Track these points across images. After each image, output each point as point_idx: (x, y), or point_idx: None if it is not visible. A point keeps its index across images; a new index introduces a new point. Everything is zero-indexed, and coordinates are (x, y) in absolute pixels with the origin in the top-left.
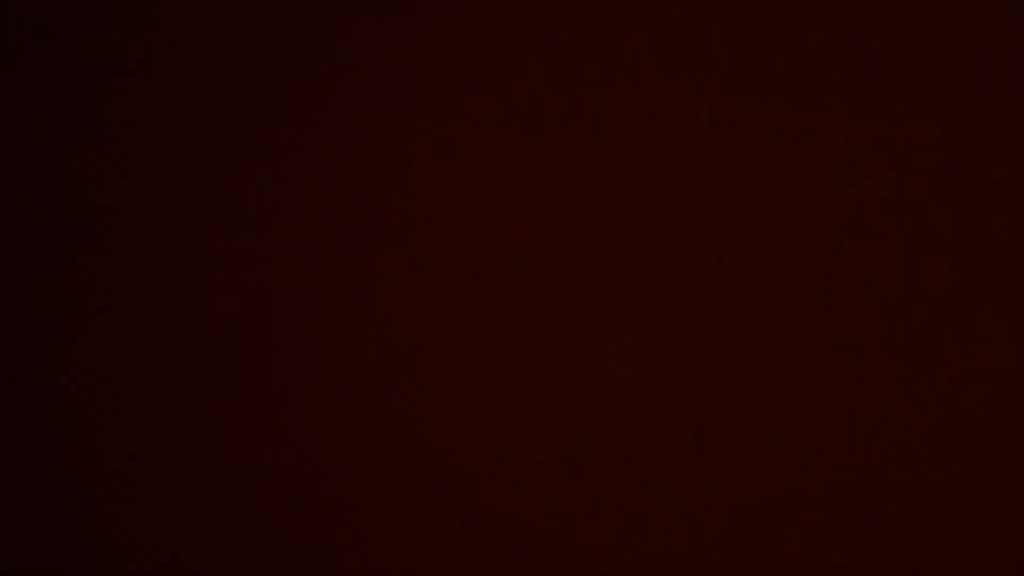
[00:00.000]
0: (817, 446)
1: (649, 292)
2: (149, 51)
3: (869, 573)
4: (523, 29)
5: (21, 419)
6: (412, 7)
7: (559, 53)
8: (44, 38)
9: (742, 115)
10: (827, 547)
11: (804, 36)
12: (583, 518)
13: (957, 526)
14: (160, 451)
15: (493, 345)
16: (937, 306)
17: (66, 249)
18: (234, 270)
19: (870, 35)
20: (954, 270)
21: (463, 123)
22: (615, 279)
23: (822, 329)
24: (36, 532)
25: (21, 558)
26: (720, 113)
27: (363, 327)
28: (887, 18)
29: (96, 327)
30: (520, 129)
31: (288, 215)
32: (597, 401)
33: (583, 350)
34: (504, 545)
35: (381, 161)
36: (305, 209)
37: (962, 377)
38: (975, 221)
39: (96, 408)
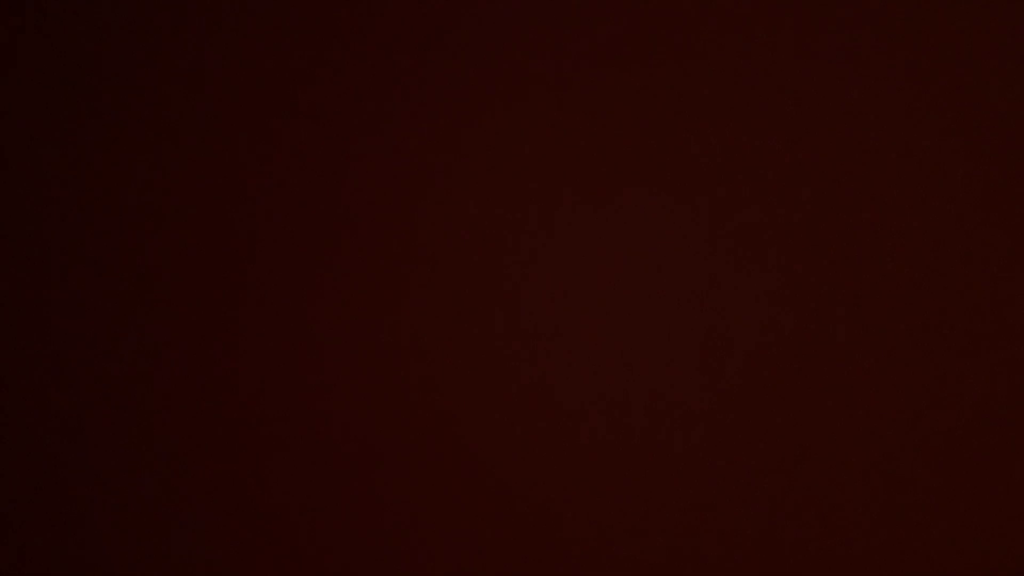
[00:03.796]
0: (823, 447)
1: (661, 291)
2: (154, 53)
3: (870, 573)
4: (534, 41)
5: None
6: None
7: (570, 64)
8: (31, 35)
9: (742, 125)
10: (832, 547)
11: (804, 43)
12: (603, 513)
13: (957, 526)
14: (188, 447)
15: (512, 343)
16: (936, 309)
17: (59, 248)
18: (265, 271)
19: (869, 38)
20: (954, 271)
21: (481, 130)
22: (633, 277)
23: (824, 333)
24: (31, 536)
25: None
26: (721, 122)
27: (391, 327)
28: (886, 20)
29: (88, 328)
30: (534, 134)
31: (320, 215)
32: (610, 396)
33: (599, 348)
34: (526, 540)
35: (407, 164)
36: (341, 209)
37: (962, 377)
38: (975, 222)
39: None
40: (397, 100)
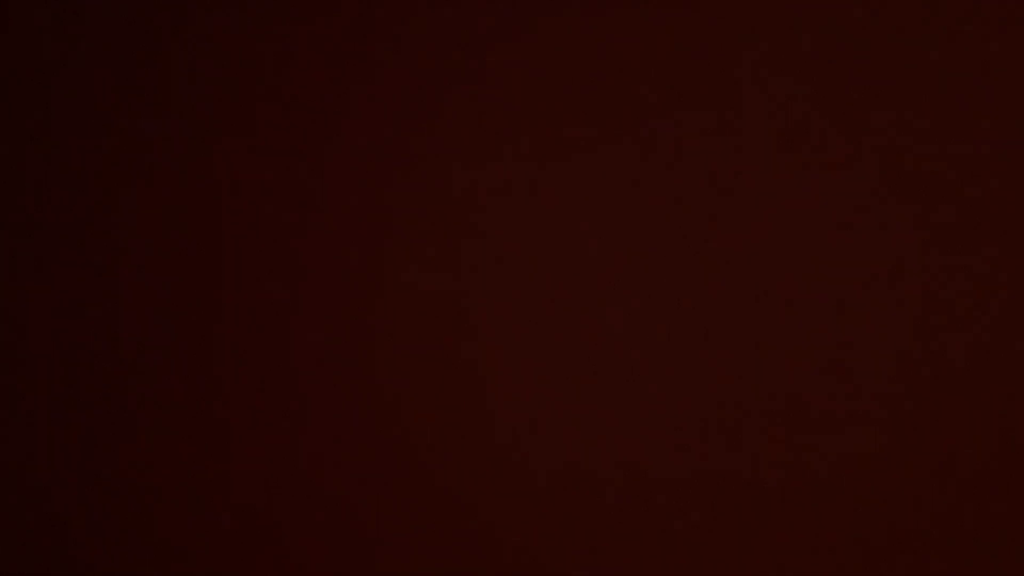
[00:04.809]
0: (825, 452)
1: (647, 297)
2: (156, 52)
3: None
4: (524, 32)
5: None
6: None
7: (556, 56)
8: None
9: (739, 121)
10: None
11: (802, 40)
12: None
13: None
14: (162, 452)
15: (487, 354)
16: (934, 313)
17: (67, 249)
18: (236, 273)
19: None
20: (955, 271)
21: (461, 126)
22: (611, 283)
23: (821, 336)
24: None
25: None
26: (717, 122)
27: (359, 334)
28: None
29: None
30: (518, 131)
31: (287, 217)
32: (589, 411)
33: (580, 355)
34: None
35: (380, 163)
36: (305, 212)
37: (964, 379)
38: (976, 224)
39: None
40: (395, 102)
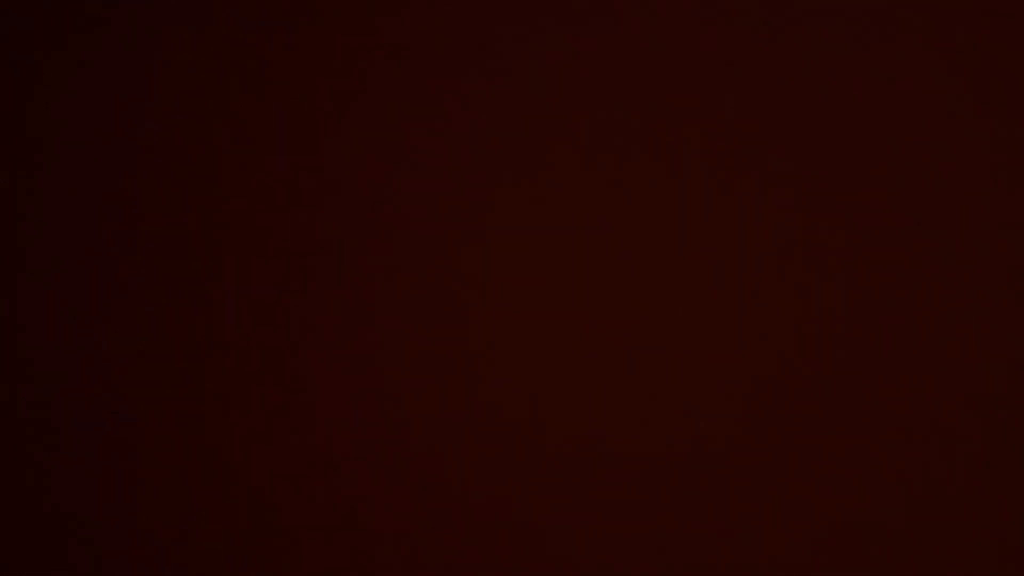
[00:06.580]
0: (821, 451)
1: (646, 295)
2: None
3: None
4: (524, 32)
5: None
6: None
7: (554, 56)
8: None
9: (736, 121)
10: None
11: (803, 38)
12: (577, 526)
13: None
14: (164, 452)
15: (490, 351)
16: (931, 314)
17: (74, 250)
18: (236, 274)
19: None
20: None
21: (460, 127)
22: (610, 282)
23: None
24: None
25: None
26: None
27: (361, 331)
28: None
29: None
30: (517, 133)
31: (287, 218)
32: (591, 405)
33: (578, 354)
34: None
35: (380, 164)
36: (304, 212)
37: (957, 378)
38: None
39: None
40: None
